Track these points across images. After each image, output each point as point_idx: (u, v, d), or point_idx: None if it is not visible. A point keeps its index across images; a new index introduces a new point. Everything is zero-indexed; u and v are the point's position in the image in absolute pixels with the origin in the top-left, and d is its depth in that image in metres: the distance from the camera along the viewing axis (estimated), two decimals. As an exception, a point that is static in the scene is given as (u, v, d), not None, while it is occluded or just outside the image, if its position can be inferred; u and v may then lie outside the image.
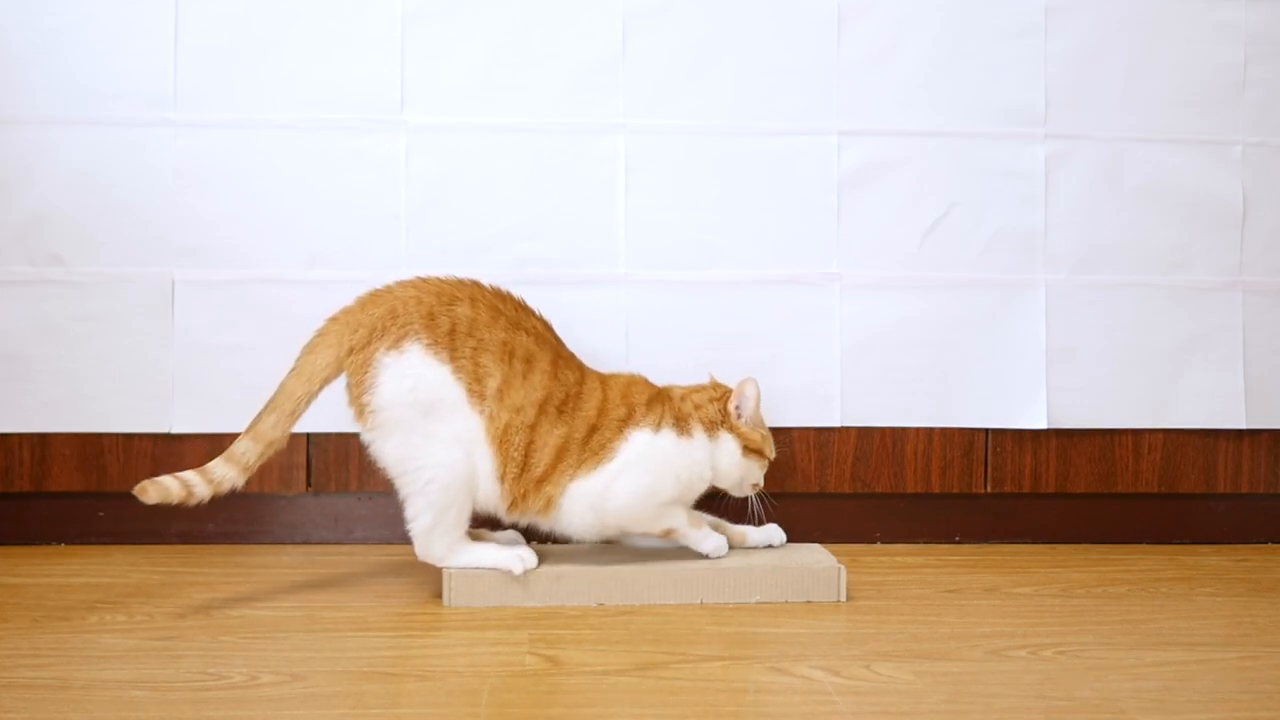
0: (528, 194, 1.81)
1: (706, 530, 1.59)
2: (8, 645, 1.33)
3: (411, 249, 1.78)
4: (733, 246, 1.84)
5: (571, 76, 1.82)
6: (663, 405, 1.57)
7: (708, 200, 1.84)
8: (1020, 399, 1.88)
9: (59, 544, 1.81)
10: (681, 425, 1.56)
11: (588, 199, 1.82)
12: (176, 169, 1.77)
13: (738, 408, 1.58)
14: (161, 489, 1.43)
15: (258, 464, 1.48)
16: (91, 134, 1.76)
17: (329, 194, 1.79)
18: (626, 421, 1.53)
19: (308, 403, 1.49)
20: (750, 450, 1.59)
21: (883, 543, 1.91)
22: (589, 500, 1.51)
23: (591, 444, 1.52)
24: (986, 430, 1.89)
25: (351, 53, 1.79)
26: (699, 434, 1.57)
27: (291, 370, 1.50)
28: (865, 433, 1.88)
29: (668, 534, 1.57)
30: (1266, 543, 1.95)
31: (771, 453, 1.63)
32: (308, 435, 1.81)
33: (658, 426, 1.54)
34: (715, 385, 1.62)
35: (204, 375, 1.77)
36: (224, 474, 1.46)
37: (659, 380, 1.62)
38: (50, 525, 1.81)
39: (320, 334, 1.51)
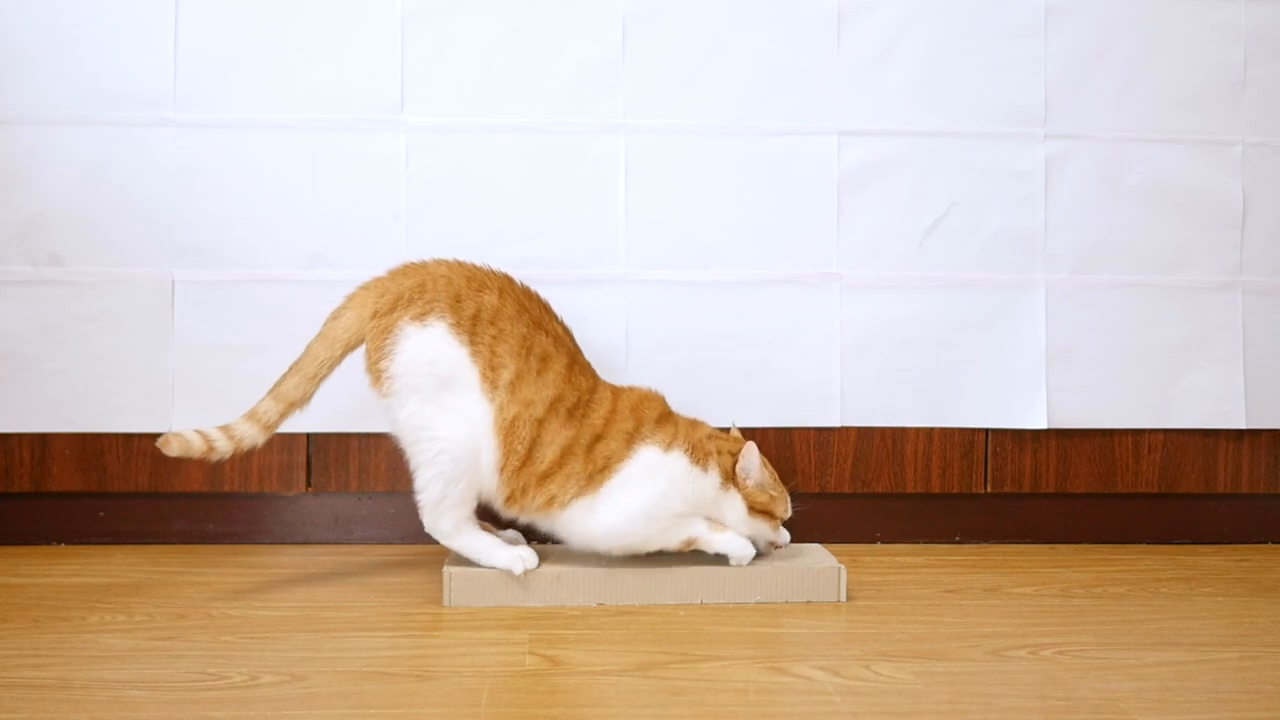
0: (528, 194, 1.82)
1: (731, 534, 1.56)
2: (8, 645, 1.33)
3: (412, 249, 1.77)
4: (733, 246, 1.84)
5: (571, 76, 1.82)
6: (675, 427, 1.54)
7: (708, 200, 1.84)
8: (1020, 399, 1.88)
9: (59, 544, 1.81)
10: (699, 456, 1.53)
11: (588, 199, 1.82)
12: (177, 169, 1.77)
13: (743, 469, 1.55)
14: (184, 441, 1.47)
15: (279, 423, 1.50)
16: (92, 134, 1.76)
17: (329, 194, 1.79)
18: (633, 436, 1.52)
19: (330, 367, 1.51)
20: (757, 511, 1.56)
21: (883, 543, 1.91)
22: (594, 516, 1.50)
23: (595, 453, 1.50)
24: (986, 430, 1.89)
25: (351, 53, 1.79)
26: (714, 474, 1.54)
27: (318, 334, 1.52)
28: (865, 433, 1.88)
29: (689, 544, 1.54)
30: (1266, 543, 1.95)
31: (783, 512, 1.59)
32: (308, 435, 1.81)
33: (668, 446, 1.52)
34: (736, 440, 1.58)
35: (204, 375, 1.77)
36: (245, 431, 1.49)
37: (659, 386, 1.61)
38: (50, 525, 1.82)
39: (348, 298, 1.54)
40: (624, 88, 1.82)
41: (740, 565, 1.54)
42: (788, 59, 1.84)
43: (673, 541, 1.54)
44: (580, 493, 1.50)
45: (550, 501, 1.51)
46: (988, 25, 1.86)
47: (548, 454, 1.49)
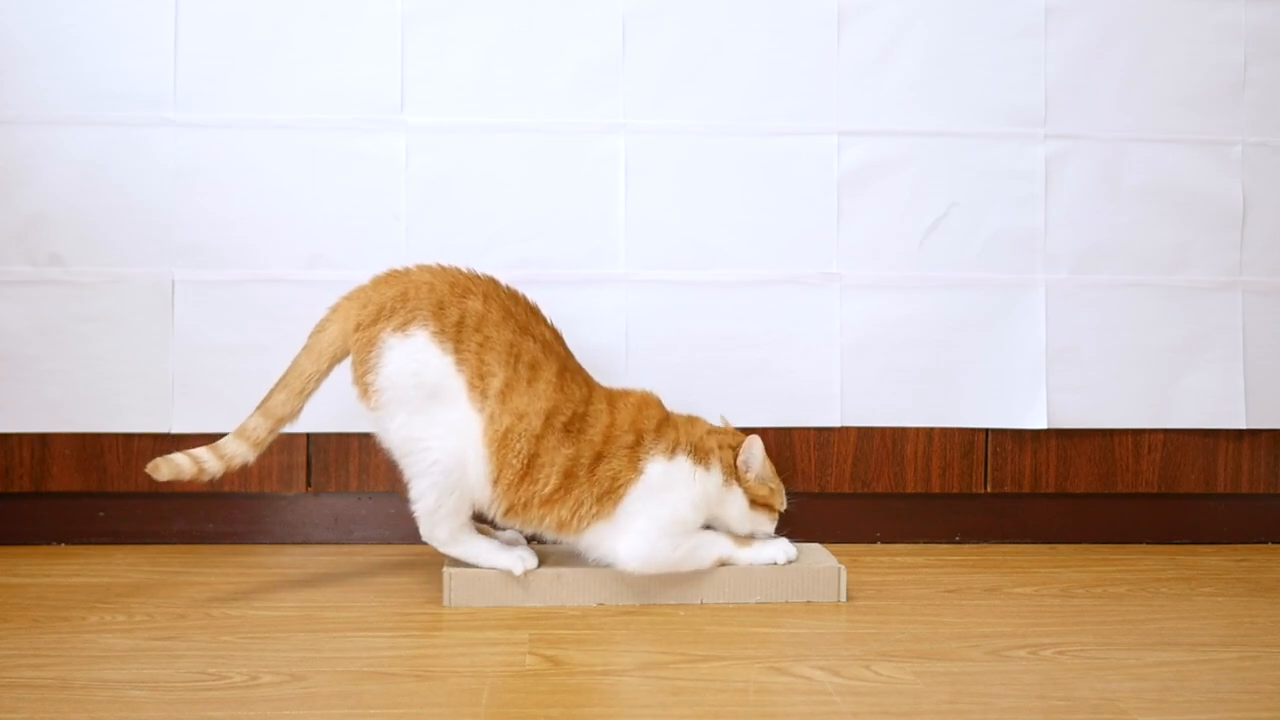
0: (528, 194, 1.81)
1: (758, 543, 1.57)
2: (8, 645, 1.33)
3: (411, 249, 1.77)
4: (733, 246, 1.84)
5: (571, 76, 1.82)
6: (676, 431, 1.54)
7: (708, 200, 1.84)
8: (1020, 399, 1.88)
9: (59, 544, 1.81)
10: (700, 456, 1.53)
11: (588, 199, 1.82)
12: (177, 169, 1.77)
13: (745, 462, 1.55)
14: (173, 466, 1.46)
15: (269, 439, 1.50)
16: (92, 134, 1.76)
17: (329, 194, 1.79)
18: (636, 449, 1.50)
19: (317, 381, 1.50)
20: (758, 504, 1.56)
21: (883, 543, 1.91)
22: (618, 546, 1.49)
23: (599, 473, 1.48)
24: (986, 430, 1.89)
25: (351, 53, 1.79)
26: (716, 472, 1.54)
27: (303, 348, 1.51)
28: (865, 433, 1.88)
29: (722, 564, 1.54)
30: (1266, 543, 1.95)
31: (782, 505, 1.60)
32: (308, 435, 1.81)
33: (671, 454, 1.51)
34: (734, 433, 1.59)
35: (204, 375, 1.77)
36: (235, 450, 1.49)
37: (658, 387, 1.60)
38: (50, 525, 1.82)
39: (332, 310, 1.53)
40: (624, 88, 1.82)
41: (791, 562, 1.55)
42: (788, 59, 1.84)
43: (705, 562, 1.53)
44: (593, 517, 1.49)
45: (561, 526, 1.50)
46: (988, 25, 1.86)
47: (550, 476, 1.47)
